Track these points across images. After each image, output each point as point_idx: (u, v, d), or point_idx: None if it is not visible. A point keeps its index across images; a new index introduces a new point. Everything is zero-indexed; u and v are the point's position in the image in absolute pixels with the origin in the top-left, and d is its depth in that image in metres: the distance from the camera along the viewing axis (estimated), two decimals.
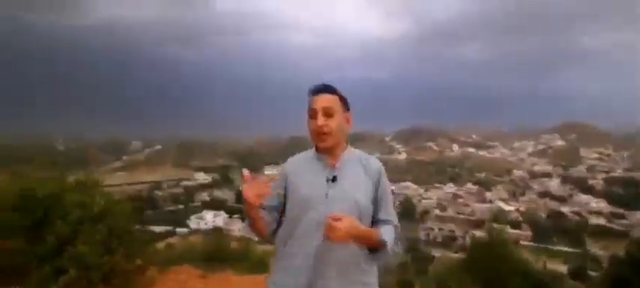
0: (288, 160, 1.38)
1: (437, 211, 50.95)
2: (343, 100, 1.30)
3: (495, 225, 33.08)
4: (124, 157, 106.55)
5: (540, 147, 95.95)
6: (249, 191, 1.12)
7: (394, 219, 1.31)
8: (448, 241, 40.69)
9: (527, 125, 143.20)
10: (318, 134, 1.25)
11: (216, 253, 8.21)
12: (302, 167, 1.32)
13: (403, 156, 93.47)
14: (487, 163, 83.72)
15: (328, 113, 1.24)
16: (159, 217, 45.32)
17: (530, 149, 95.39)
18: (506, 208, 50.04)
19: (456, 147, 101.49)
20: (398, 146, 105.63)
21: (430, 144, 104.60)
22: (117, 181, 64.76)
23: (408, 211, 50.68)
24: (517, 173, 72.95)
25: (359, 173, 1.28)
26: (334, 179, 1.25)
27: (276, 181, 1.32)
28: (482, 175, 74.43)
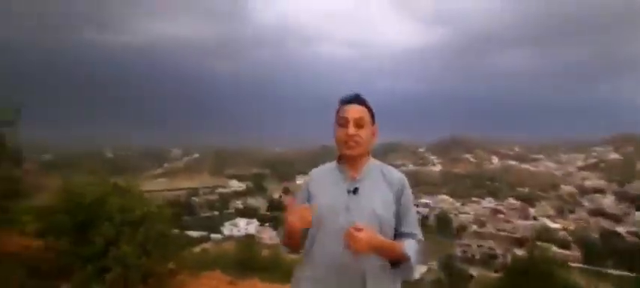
0: (313, 170, 1.40)
1: (475, 227, 48.60)
2: (371, 113, 1.31)
3: (540, 244, 30.99)
4: (165, 165, 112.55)
5: (591, 161, 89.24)
6: (293, 217, 1.16)
7: (418, 232, 1.29)
8: (487, 259, 38.55)
9: (575, 137, 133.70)
10: (346, 142, 1.25)
11: (247, 261, 8.38)
12: (324, 178, 1.33)
13: (438, 168, 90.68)
14: (530, 176, 79.02)
15: (359, 124, 1.26)
16: (196, 223, 47.15)
17: (579, 163, 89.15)
18: (553, 226, 47.07)
19: (495, 159, 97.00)
20: (432, 158, 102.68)
21: (467, 156, 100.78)
22: (158, 187, 68.51)
23: (443, 226, 48.82)
24: (565, 188, 68.20)
25: (380, 185, 1.28)
26: (355, 191, 1.25)
27: (302, 198, 1.34)
28: (526, 189, 70.32)
